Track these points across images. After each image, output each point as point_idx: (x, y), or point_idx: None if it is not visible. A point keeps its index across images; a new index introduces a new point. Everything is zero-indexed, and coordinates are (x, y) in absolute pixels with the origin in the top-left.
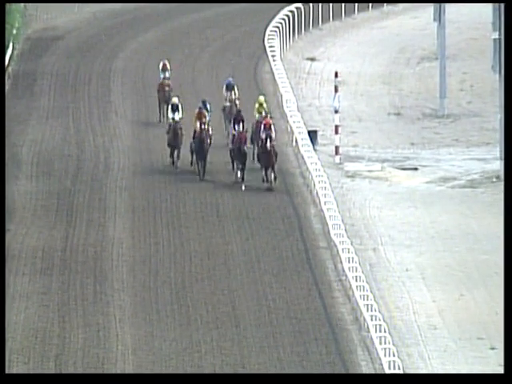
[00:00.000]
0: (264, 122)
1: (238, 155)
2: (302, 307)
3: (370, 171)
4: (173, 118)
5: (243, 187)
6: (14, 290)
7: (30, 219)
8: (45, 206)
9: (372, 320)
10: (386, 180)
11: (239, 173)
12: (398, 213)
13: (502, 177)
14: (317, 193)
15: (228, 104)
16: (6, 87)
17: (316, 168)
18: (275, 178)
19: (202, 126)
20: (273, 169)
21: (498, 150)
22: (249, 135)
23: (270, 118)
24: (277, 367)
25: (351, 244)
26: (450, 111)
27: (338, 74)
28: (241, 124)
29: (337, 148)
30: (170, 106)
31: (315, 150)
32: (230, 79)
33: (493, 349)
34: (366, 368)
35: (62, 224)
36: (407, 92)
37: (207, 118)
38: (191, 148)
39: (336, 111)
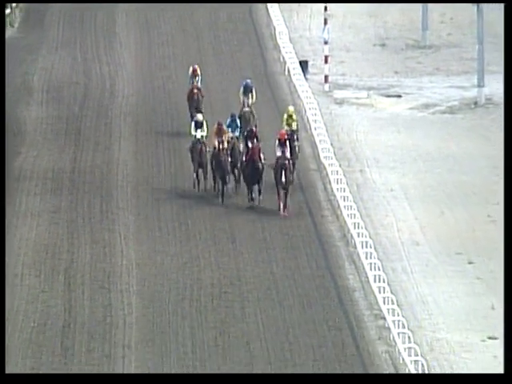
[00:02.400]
0: (279, 135)
1: (251, 171)
2: (293, 225)
3: (357, 98)
4: (195, 136)
5: (251, 204)
6: (25, 208)
7: (41, 142)
8: (54, 130)
9: (359, 237)
10: (372, 106)
11: (253, 193)
12: (383, 137)
13: (480, 103)
14: (307, 118)
15: (247, 109)
16: (18, 20)
17: (307, 95)
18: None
19: (221, 146)
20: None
21: (475, 78)
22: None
23: (297, 138)
24: (270, 280)
25: (339, 166)
26: (431, 42)
27: (328, 8)
28: (255, 140)
29: (326, 77)
30: (193, 123)
31: (306, 78)
32: (248, 81)
33: (470, 263)
34: (353, 281)
35: (71, 147)
36: (391, 24)
37: (234, 136)
38: (211, 166)
39: (325, 42)
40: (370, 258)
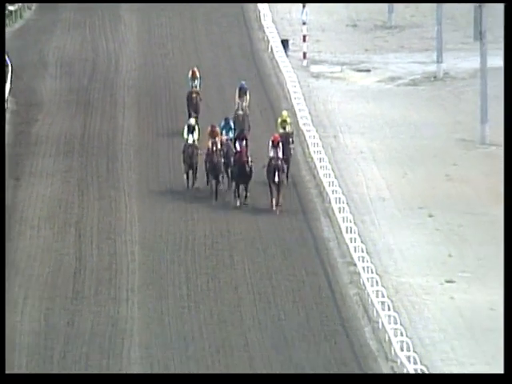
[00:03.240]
0: (273, 137)
1: (238, 173)
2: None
3: (331, 72)
4: (187, 139)
5: (237, 203)
6: (41, 169)
7: (55, 111)
8: (66, 101)
9: (333, 193)
10: (345, 80)
11: (238, 202)
12: (354, 106)
13: (439, 77)
14: (288, 90)
15: (241, 112)
16: (34, 6)
17: (287, 70)
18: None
19: (214, 147)
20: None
21: (435, 55)
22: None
23: (292, 141)
24: (255, 232)
25: (316, 132)
26: (396, 23)
27: None
28: (244, 141)
29: (304, 54)
30: (186, 127)
31: (287, 55)
32: (243, 83)
33: (430, 216)
34: (327, 232)
35: (81, 115)
36: (362, 8)
37: (228, 138)
38: (205, 167)
39: (304, 23)
40: (343, 212)
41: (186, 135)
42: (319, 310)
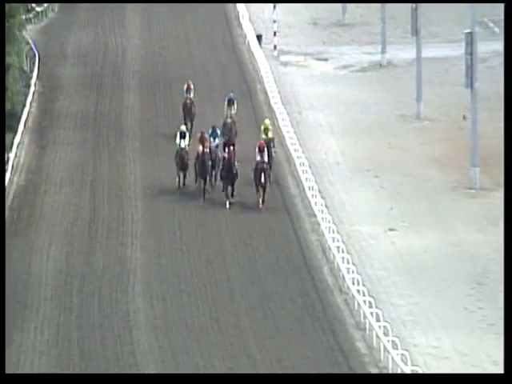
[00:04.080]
0: (258, 144)
1: (226, 174)
2: (250, 157)
3: (296, 61)
4: (179, 145)
5: (227, 205)
6: (63, 138)
7: (73, 92)
8: (82, 84)
9: (298, 159)
10: (307, 67)
11: (228, 204)
12: (315, 89)
13: (383, 64)
14: (261, 75)
15: (229, 120)
16: (56, 6)
17: (261, 59)
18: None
19: (205, 150)
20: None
21: (380, 47)
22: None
23: (273, 145)
24: (234, 191)
25: (284, 108)
26: (349, 21)
27: None
28: (232, 147)
29: (275, 46)
30: (178, 133)
31: (261, 47)
32: (231, 95)
33: (376, 177)
34: (293, 190)
35: (94, 96)
36: (321, 9)
37: (214, 142)
38: (195, 168)
39: (274, 21)
40: (306, 173)
41: (177, 140)
42: (286, 252)
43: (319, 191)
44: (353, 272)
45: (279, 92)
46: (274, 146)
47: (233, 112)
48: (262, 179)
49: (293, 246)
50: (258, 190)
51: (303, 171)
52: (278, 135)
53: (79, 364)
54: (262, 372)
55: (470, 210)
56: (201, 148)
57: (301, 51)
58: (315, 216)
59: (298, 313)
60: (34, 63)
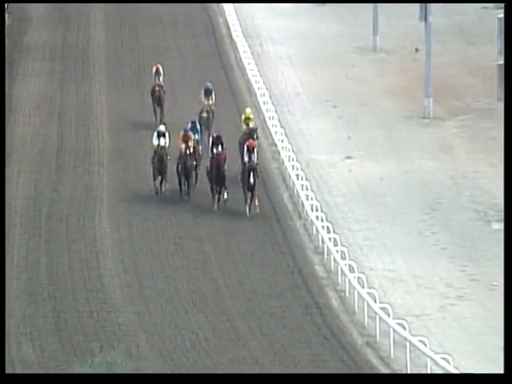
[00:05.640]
0: (248, 143)
1: (215, 177)
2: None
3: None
4: (158, 145)
5: (215, 207)
6: (31, 70)
7: (42, 26)
8: (51, 18)
9: (259, 89)
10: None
11: (215, 206)
12: (275, 22)
13: None
14: (223, 9)
15: (205, 115)
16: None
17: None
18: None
19: (188, 151)
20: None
21: None
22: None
23: (256, 136)
24: None
25: (246, 41)
26: None
27: None
28: (219, 147)
29: None
30: (155, 133)
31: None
32: (209, 84)
33: (334, 107)
34: (254, 120)
35: (62, 29)
36: None
37: (195, 139)
38: (177, 169)
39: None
40: (266, 104)
41: (155, 141)
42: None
43: (279, 121)
44: (312, 199)
45: (240, 25)
46: (257, 138)
47: (211, 103)
48: (251, 179)
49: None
50: (246, 196)
51: (264, 102)
52: (240, 67)
53: (47, 288)
54: (225, 295)
55: (424, 139)
56: (184, 147)
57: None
58: (275, 145)
59: (259, 238)
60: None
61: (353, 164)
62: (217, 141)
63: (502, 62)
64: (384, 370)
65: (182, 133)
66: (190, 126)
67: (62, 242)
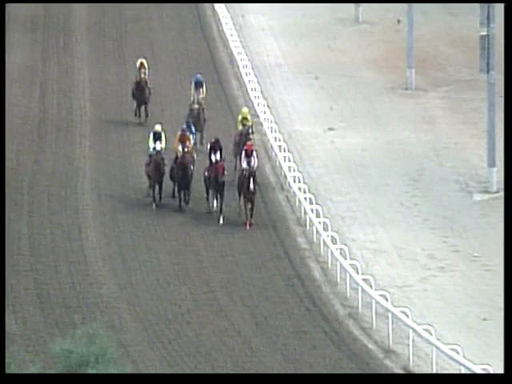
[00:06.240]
0: (246, 147)
1: (214, 185)
2: (196, 50)
3: None
4: (154, 148)
5: (221, 221)
6: (13, 41)
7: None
8: None
9: (241, 61)
10: None
11: (215, 203)
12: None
13: None
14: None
15: (196, 106)
16: None
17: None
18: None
19: (186, 151)
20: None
21: None
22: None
23: (252, 131)
24: None
25: (228, 12)
26: None
27: None
28: (218, 153)
29: None
30: (151, 134)
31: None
32: (199, 76)
33: (316, 78)
34: (237, 91)
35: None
36: None
37: (191, 142)
38: (171, 175)
39: None
40: (249, 75)
41: (151, 143)
42: (229, 150)
43: (261, 92)
44: (294, 170)
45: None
46: (252, 133)
47: (201, 96)
48: (251, 185)
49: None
50: (244, 206)
51: (246, 73)
52: (222, 39)
53: (29, 259)
54: (207, 266)
55: (406, 110)
56: (181, 149)
57: None
58: (257, 116)
59: (241, 210)
60: None
61: (335, 135)
62: (215, 145)
63: (484, 33)
64: (366, 341)
65: (178, 133)
66: (184, 126)
67: (44, 214)
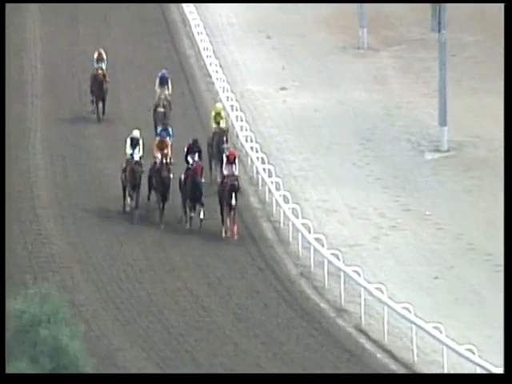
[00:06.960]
0: (228, 153)
1: (191, 189)
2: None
3: None
4: (131, 155)
5: (188, 226)
6: None
7: None
8: None
9: (192, 20)
10: None
11: (193, 211)
12: None
13: None
14: None
15: (162, 110)
16: None
17: None
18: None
19: (164, 160)
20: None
21: None
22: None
23: (226, 140)
24: None
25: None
26: None
27: None
28: (196, 155)
29: None
30: (129, 140)
31: None
32: (164, 71)
33: (268, 38)
34: (188, 51)
35: None
36: None
37: (169, 147)
38: (150, 183)
39: None
40: (201, 34)
41: (129, 150)
42: (183, 110)
43: (213, 52)
44: (246, 129)
45: None
46: (226, 142)
47: (167, 93)
48: (233, 200)
49: (188, 105)
50: (224, 216)
51: (198, 33)
52: (182, 19)
53: None
54: (159, 226)
55: (358, 70)
56: (159, 156)
57: None
58: (210, 76)
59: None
60: None
61: (287, 95)
62: (193, 147)
63: None
64: (318, 300)
65: (157, 139)
66: (159, 129)
67: None
